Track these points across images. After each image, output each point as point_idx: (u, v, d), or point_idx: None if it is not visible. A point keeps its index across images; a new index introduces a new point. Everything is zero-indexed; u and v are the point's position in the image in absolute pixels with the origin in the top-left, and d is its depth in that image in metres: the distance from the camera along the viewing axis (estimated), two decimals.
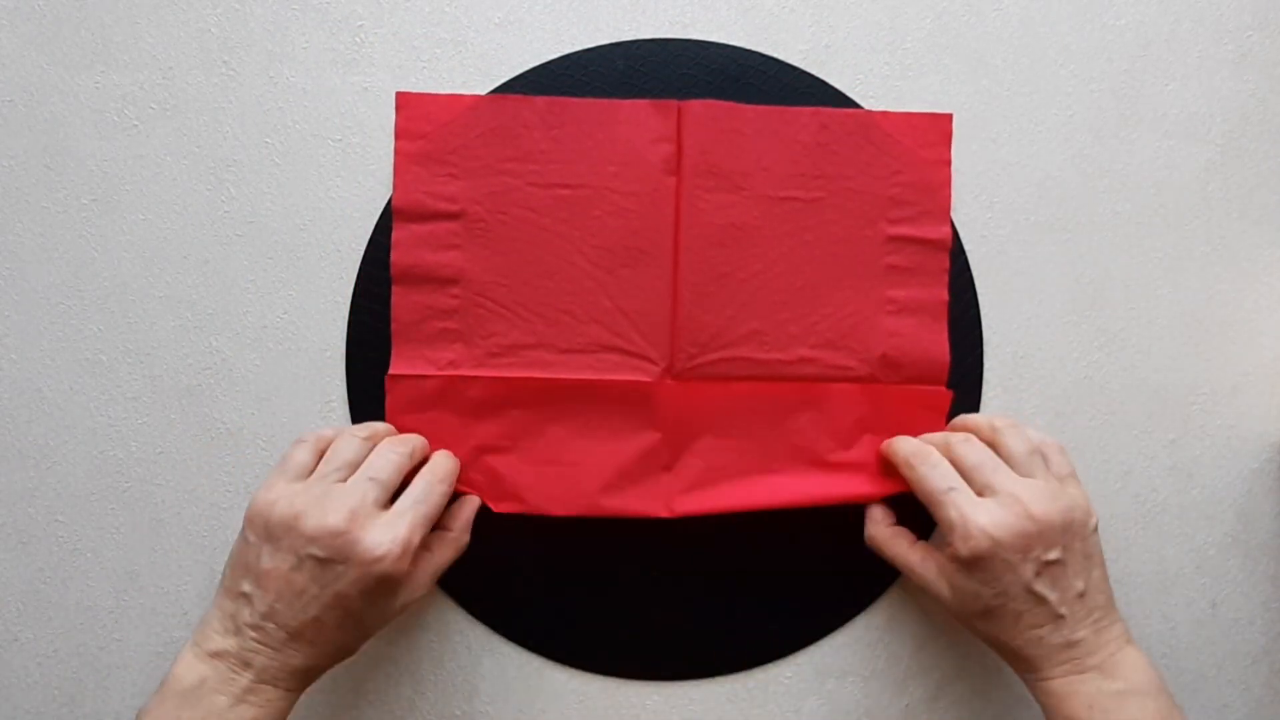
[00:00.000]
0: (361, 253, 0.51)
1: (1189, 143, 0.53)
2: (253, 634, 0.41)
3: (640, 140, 0.50)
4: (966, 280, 0.52)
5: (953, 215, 0.52)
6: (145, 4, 0.52)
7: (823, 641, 0.52)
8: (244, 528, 0.43)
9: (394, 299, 0.50)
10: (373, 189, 0.52)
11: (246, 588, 0.41)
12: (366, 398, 0.51)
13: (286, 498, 0.42)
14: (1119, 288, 0.53)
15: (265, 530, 0.42)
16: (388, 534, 0.41)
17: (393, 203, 0.50)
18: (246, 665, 0.41)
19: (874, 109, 0.52)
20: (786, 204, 0.51)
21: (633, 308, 0.50)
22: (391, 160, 0.51)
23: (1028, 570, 0.43)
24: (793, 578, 0.52)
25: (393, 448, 0.45)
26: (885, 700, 0.52)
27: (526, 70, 0.52)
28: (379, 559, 0.41)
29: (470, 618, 0.52)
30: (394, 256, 0.50)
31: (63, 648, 0.51)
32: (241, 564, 0.42)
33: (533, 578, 0.51)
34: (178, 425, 0.52)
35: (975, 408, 0.52)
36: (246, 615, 0.41)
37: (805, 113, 0.51)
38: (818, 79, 0.52)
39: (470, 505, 0.49)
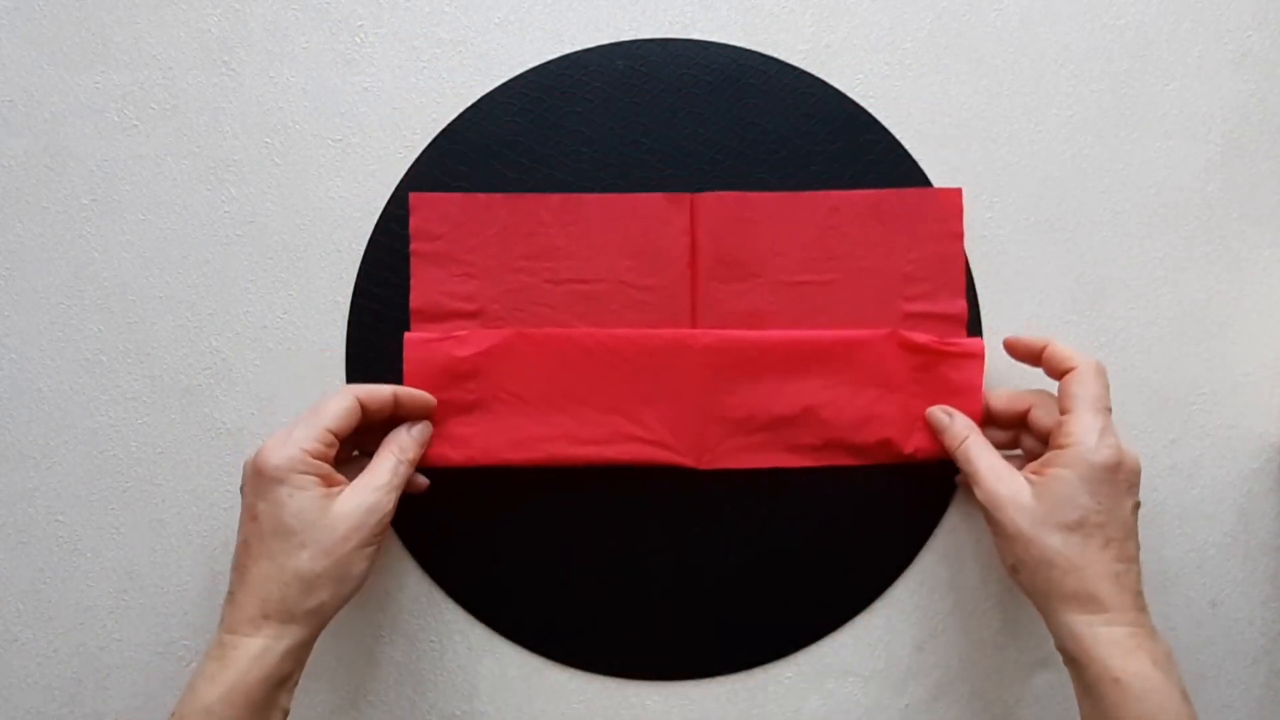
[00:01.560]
0: (361, 253, 0.51)
1: (1189, 143, 0.53)
2: (226, 600, 0.43)
3: (655, 233, 0.51)
4: (967, 280, 0.52)
5: None
6: (145, 4, 0.52)
7: (823, 641, 0.52)
8: None
9: None
10: (373, 189, 0.52)
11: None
12: None
13: None
14: (1119, 288, 0.53)
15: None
16: (271, 439, 0.44)
17: (410, 303, 0.50)
18: (220, 623, 0.43)
19: (874, 111, 0.52)
20: (801, 288, 0.51)
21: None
22: (391, 160, 0.52)
23: (1129, 502, 0.44)
24: (793, 577, 0.52)
25: (341, 395, 0.45)
26: (885, 700, 0.52)
27: (526, 70, 0.52)
28: (258, 453, 0.43)
29: (470, 618, 0.52)
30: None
31: (63, 648, 0.51)
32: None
33: (533, 578, 0.51)
34: (178, 425, 0.52)
35: (975, 407, 0.52)
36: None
37: (815, 197, 0.51)
38: (818, 79, 0.52)
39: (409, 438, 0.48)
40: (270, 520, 0.42)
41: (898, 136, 0.53)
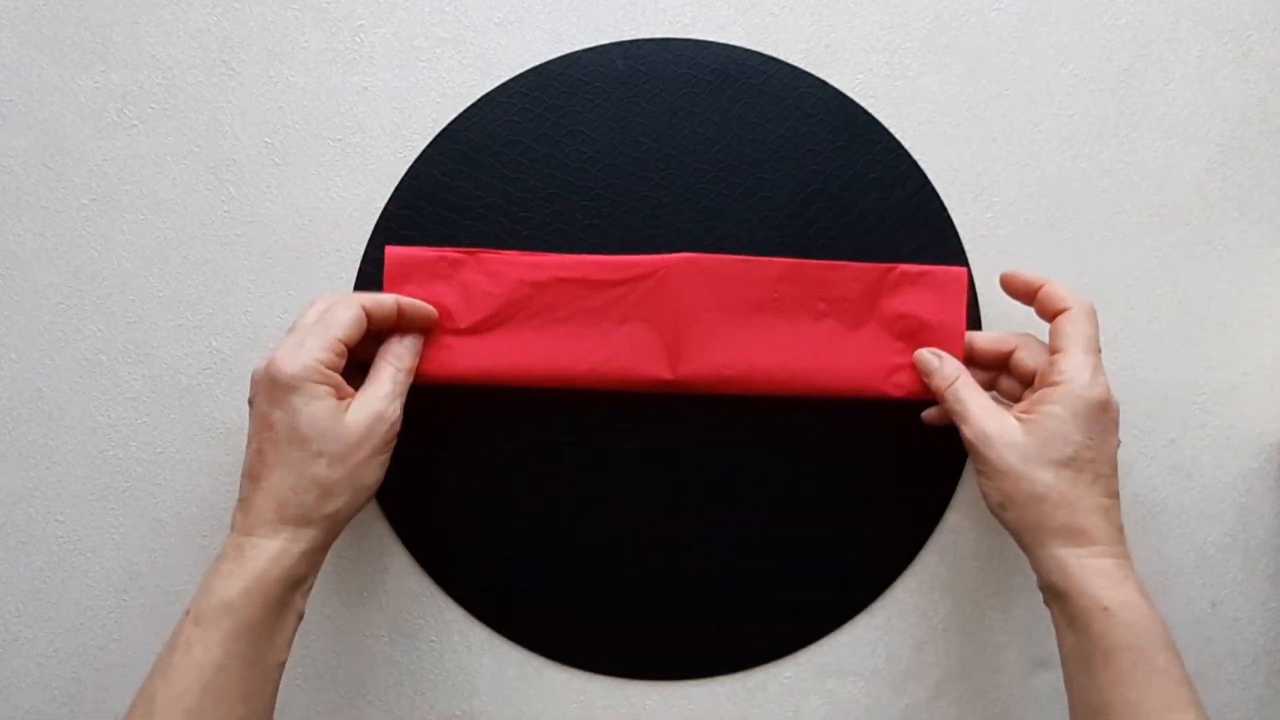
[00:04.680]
0: (361, 253, 0.51)
1: (1189, 143, 0.53)
2: (238, 506, 0.44)
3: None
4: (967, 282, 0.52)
5: (952, 215, 0.52)
6: (145, 4, 0.52)
7: (823, 641, 0.52)
8: None
9: None
10: (373, 189, 0.52)
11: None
12: None
13: None
14: (1119, 288, 0.53)
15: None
16: (282, 348, 0.44)
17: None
18: (232, 528, 0.43)
19: (874, 111, 0.52)
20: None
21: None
22: (391, 160, 0.52)
23: (1115, 440, 0.45)
24: (793, 577, 0.52)
25: (348, 305, 0.45)
26: (885, 700, 0.52)
27: (526, 70, 0.52)
28: (270, 362, 0.43)
29: (470, 618, 0.52)
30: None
31: (63, 648, 0.51)
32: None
33: (533, 578, 0.51)
34: (177, 425, 0.52)
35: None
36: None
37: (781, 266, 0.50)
38: (818, 79, 0.53)
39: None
40: (286, 428, 0.43)
41: (898, 136, 0.53)
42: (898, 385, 0.50)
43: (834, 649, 0.52)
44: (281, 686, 0.51)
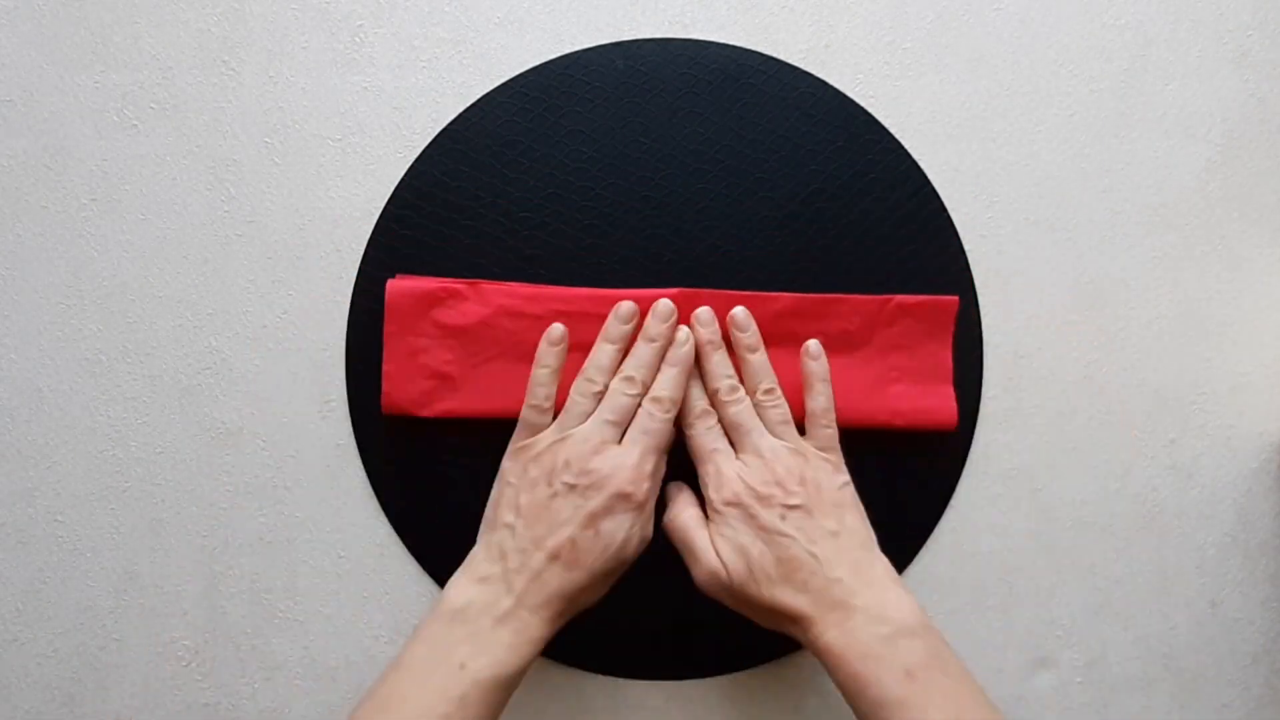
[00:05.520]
0: (361, 253, 0.51)
1: (1189, 143, 0.53)
2: (517, 558, 0.44)
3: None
4: (967, 280, 0.52)
5: (952, 216, 0.52)
6: (145, 4, 0.52)
7: None
8: (503, 476, 0.47)
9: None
10: (373, 189, 0.52)
11: (509, 518, 0.46)
12: (367, 398, 0.51)
13: (537, 446, 0.47)
14: (1119, 288, 0.53)
15: (523, 473, 0.46)
16: (625, 458, 0.46)
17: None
18: (509, 589, 0.44)
19: (874, 111, 0.52)
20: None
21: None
22: (391, 160, 0.52)
23: (773, 514, 0.45)
24: None
25: (623, 390, 0.47)
26: None
27: (526, 70, 0.52)
28: (620, 479, 0.45)
29: None
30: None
31: (63, 648, 0.51)
32: (504, 503, 0.46)
33: None
34: (177, 425, 0.51)
35: (975, 407, 0.52)
36: (510, 542, 0.45)
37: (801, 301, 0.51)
38: (818, 79, 0.53)
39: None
40: (608, 541, 0.45)
41: (898, 136, 0.53)
42: (897, 414, 0.50)
43: None
44: (281, 686, 0.51)
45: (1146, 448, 0.53)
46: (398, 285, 0.49)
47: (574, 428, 0.47)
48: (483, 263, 0.51)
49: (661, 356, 0.48)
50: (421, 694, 0.42)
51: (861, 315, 0.51)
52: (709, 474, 0.47)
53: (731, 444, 0.48)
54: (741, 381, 0.49)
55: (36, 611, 0.51)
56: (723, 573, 0.45)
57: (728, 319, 0.49)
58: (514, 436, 0.48)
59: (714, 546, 0.46)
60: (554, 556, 0.44)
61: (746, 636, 0.52)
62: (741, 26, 0.53)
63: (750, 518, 0.45)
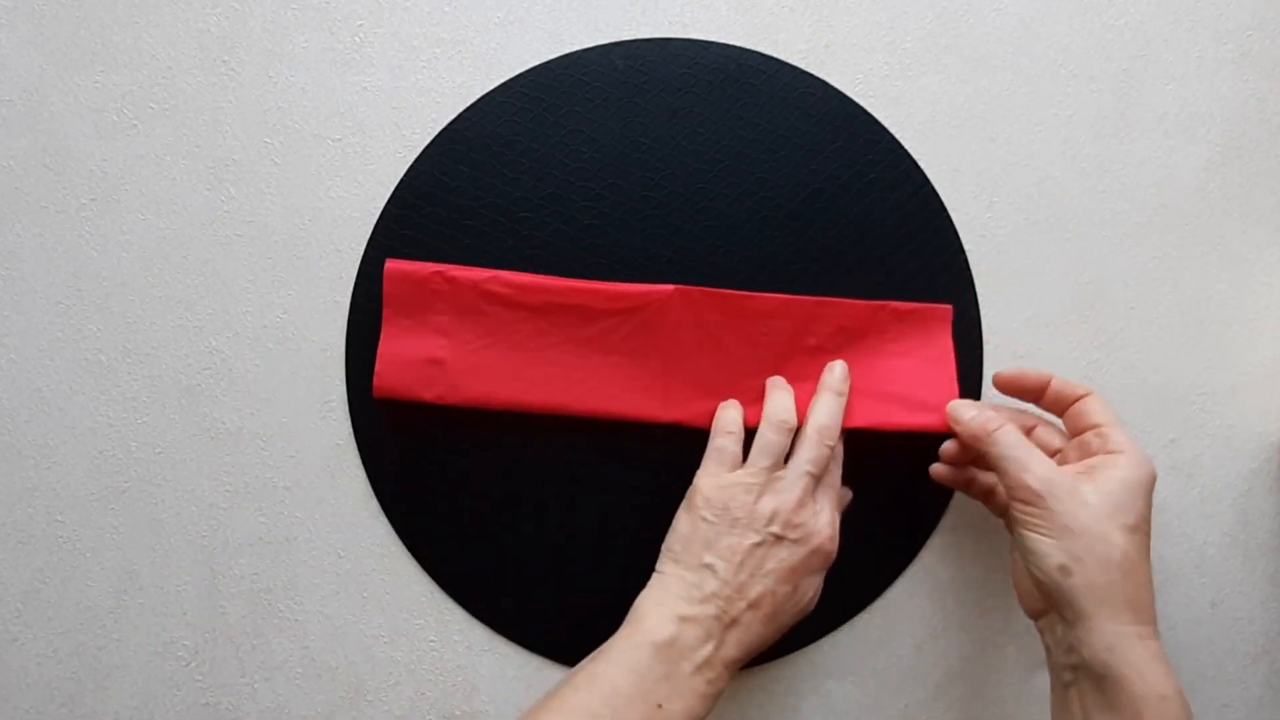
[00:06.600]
0: (361, 253, 0.52)
1: (1189, 143, 0.53)
2: (719, 603, 0.44)
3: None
4: (966, 280, 0.52)
5: (952, 216, 0.52)
6: (145, 4, 0.52)
7: (823, 641, 0.52)
8: (697, 509, 0.46)
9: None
10: (373, 189, 0.52)
11: (708, 559, 0.45)
12: (367, 398, 0.51)
13: (742, 484, 0.46)
14: (1119, 288, 0.53)
15: (725, 512, 0.46)
16: (825, 517, 0.46)
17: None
18: (709, 636, 0.44)
19: (874, 111, 0.52)
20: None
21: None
22: (391, 160, 0.52)
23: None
24: None
25: (821, 441, 0.47)
26: (885, 700, 0.52)
27: (526, 70, 0.52)
28: (822, 537, 0.46)
29: (470, 618, 0.52)
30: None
31: (63, 648, 0.51)
32: (701, 540, 0.46)
33: (532, 577, 0.51)
34: (177, 425, 0.52)
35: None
36: (712, 585, 0.44)
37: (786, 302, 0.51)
38: (818, 79, 0.53)
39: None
40: (800, 596, 0.46)
41: (898, 136, 0.53)
42: (887, 417, 0.50)
43: (833, 649, 0.52)
44: (281, 686, 0.51)
45: (1146, 447, 0.53)
46: (395, 266, 0.49)
47: (768, 466, 0.46)
48: (482, 262, 0.51)
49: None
50: None
51: (854, 319, 0.51)
52: (1123, 438, 0.45)
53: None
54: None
55: (36, 611, 0.51)
56: (1099, 508, 0.43)
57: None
58: (705, 464, 0.48)
59: (1095, 489, 0.43)
60: (754, 606, 0.44)
61: None
62: (741, 26, 0.53)
63: (1149, 495, 0.44)
